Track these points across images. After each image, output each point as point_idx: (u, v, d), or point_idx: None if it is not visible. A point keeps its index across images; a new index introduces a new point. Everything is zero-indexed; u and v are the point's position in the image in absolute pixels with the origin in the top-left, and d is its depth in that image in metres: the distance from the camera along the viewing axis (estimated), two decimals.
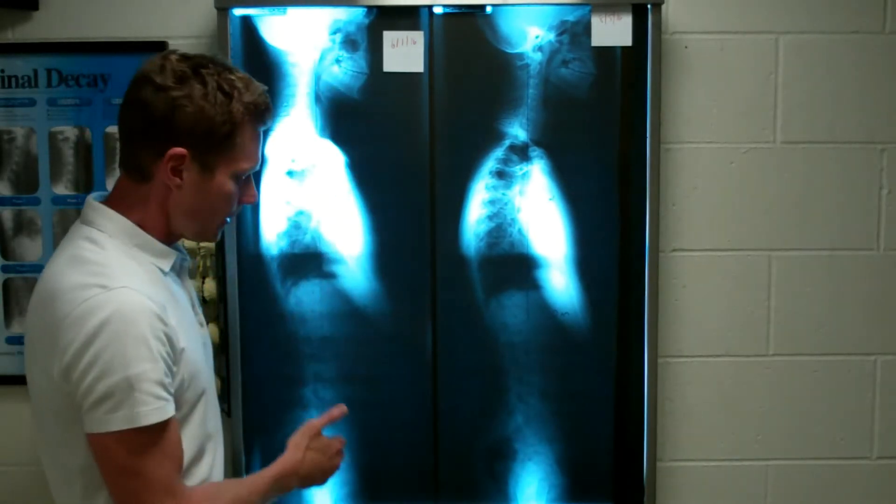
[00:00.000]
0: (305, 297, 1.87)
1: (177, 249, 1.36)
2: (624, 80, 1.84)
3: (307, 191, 1.86)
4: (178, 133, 1.26)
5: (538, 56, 1.83)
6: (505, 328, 1.88)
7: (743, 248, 1.95)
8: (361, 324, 1.87)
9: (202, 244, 1.82)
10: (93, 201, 1.31)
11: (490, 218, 1.87)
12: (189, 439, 1.29)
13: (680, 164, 1.93)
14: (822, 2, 1.91)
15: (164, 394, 1.21)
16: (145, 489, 1.21)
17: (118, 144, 1.34)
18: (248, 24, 1.82)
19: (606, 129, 1.85)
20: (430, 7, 1.80)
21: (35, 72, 1.90)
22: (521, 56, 1.83)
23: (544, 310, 1.88)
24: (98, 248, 1.26)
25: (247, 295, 1.85)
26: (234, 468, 1.83)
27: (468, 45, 1.83)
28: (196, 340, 1.34)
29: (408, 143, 1.84)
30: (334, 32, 1.82)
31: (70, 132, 1.91)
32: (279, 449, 1.44)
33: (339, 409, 1.53)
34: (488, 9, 1.81)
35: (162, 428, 1.21)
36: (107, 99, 1.89)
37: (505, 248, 1.87)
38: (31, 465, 1.90)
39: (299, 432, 1.46)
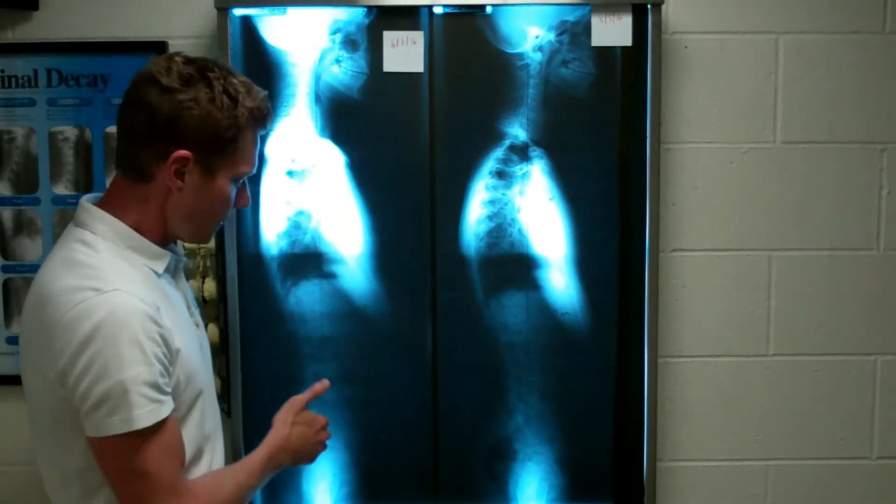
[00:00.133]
0: (305, 297, 1.87)
1: (172, 251, 1.36)
2: (624, 80, 1.84)
3: (307, 191, 1.86)
4: (183, 135, 1.26)
5: (538, 56, 1.83)
6: (505, 328, 1.88)
7: (743, 248, 1.95)
8: (361, 324, 1.87)
9: (202, 244, 1.82)
10: (86, 203, 1.31)
11: (490, 218, 1.87)
12: (187, 440, 1.29)
13: (680, 164, 1.93)
14: (822, 2, 1.91)
15: (160, 395, 1.21)
16: (150, 490, 1.21)
17: (117, 144, 1.34)
18: (248, 24, 1.82)
19: (606, 129, 1.85)
20: (430, 7, 1.80)
21: (35, 72, 1.90)
22: (521, 56, 1.83)
23: (544, 310, 1.88)
24: (91, 251, 1.26)
25: (247, 295, 1.85)
26: None
27: (468, 45, 1.83)
28: (192, 341, 1.34)
29: (408, 143, 1.84)
30: (334, 32, 1.82)
31: (70, 132, 1.91)
32: None
33: (322, 385, 1.53)
34: (488, 9, 1.81)
35: (161, 428, 1.21)
36: (107, 99, 1.89)
37: (505, 248, 1.87)
38: (30, 465, 1.89)
39: (283, 409, 1.47)
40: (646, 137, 1.83)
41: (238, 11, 1.80)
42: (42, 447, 1.31)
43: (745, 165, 1.94)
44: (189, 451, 1.30)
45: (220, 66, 1.31)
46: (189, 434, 1.31)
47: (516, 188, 1.86)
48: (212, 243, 1.81)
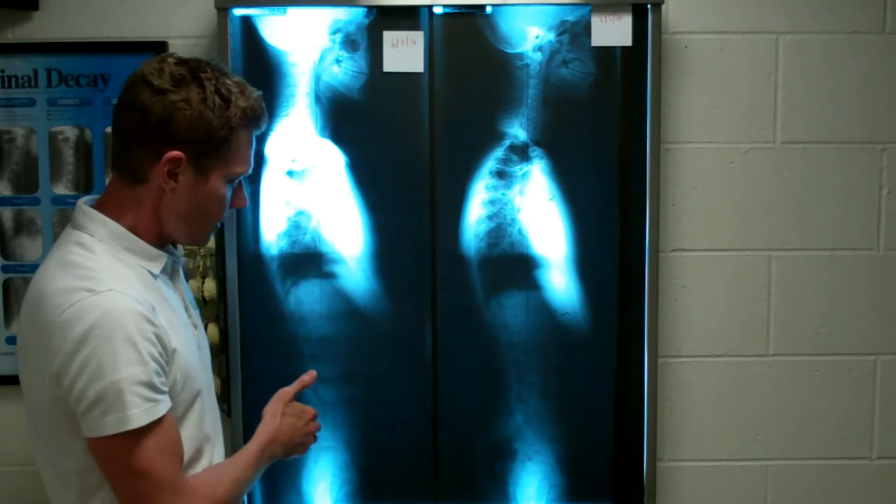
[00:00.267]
0: (305, 297, 1.87)
1: (169, 252, 1.36)
2: (624, 80, 1.84)
3: (307, 191, 1.86)
4: (175, 136, 1.26)
5: (538, 56, 1.83)
6: (505, 328, 1.88)
7: (743, 248, 1.95)
8: (361, 324, 1.87)
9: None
10: (83, 205, 1.31)
11: (490, 218, 1.87)
12: (185, 440, 1.29)
13: (680, 164, 1.93)
14: (822, 2, 1.91)
15: (155, 394, 1.21)
16: (149, 489, 1.21)
17: (111, 146, 1.34)
18: (248, 24, 1.82)
19: (606, 129, 1.85)
20: (430, 7, 1.80)
21: (35, 72, 1.90)
22: (520, 56, 1.83)
23: (544, 310, 1.88)
24: (87, 252, 1.26)
25: (247, 295, 1.85)
26: None
27: (468, 45, 1.83)
28: (190, 342, 1.34)
29: (408, 143, 1.84)
30: (334, 32, 1.82)
31: (70, 132, 1.91)
32: None
33: (310, 375, 1.54)
34: (488, 9, 1.81)
35: (157, 427, 1.21)
36: (107, 99, 1.89)
37: (505, 248, 1.87)
38: (30, 466, 1.89)
39: (272, 401, 1.48)
40: (646, 137, 1.83)
41: (238, 11, 1.80)
42: (40, 448, 1.31)
43: (745, 165, 1.94)
44: (188, 452, 1.30)
45: (214, 66, 1.31)
46: (187, 434, 1.31)
47: (516, 188, 1.86)
48: (212, 243, 1.81)
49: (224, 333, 1.84)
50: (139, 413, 1.19)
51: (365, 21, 1.81)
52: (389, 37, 1.81)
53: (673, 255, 1.95)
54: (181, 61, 1.29)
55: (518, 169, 1.86)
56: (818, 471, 2.00)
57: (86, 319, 1.18)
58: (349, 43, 1.82)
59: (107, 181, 1.89)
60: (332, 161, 1.85)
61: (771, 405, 1.99)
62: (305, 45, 1.82)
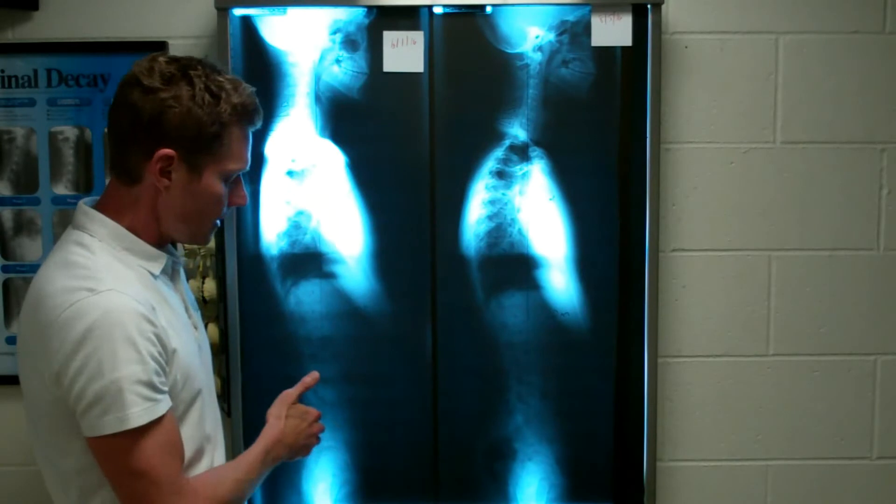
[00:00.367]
0: (305, 297, 1.87)
1: (169, 252, 1.37)
2: (624, 80, 1.84)
3: (307, 191, 1.86)
4: (166, 134, 1.26)
5: (538, 56, 1.83)
6: (505, 328, 1.88)
7: (743, 248, 1.95)
8: (361, 324, 1.87)
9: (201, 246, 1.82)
10: (84, 206, 1.32)
11: (490, 218, 1.87)
12: (186, 440, 1.29)
13: (680, 164, 1.93)
14: (822, 2, 1.91)
15: (155, 394, 1.21)
16: (149, 488, 1.21)
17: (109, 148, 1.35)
18: (248, 24, 1.82)
19: (606, 129, 1.85)
20: (430, 7, 1.80)
21: (35, 72, 1.90)
22: (520, 56, 1.83)
23: (544, 310, 1.88)
24: (87, 253, 1.26)
25: (247, 295, 1.85)
26: None
27: (468, 45, 1.83)
28: (190, 342, 1.34)
29: (408, 143, 1.84)
30: (334, 32, 1.82)
31: (70, 132, 1.91)
32: None
33: (312, 377, 1.54)
34: (488, 9, 1.81)
35: (157, 426, 1.21)
36: (107, 99, 1.89)
37: (505, 248, 1.87)
38: (30, 466, 1.90)
39: (276, 403, 1.48)
40: (646, 137, 1.83)
41: (238, 11, 1.80)
42: (40, 448, 1.31)
43: (745, 165, 1.94)
44: (188, 452, 1.30)
45: (206, 64, 1.31)
46: (188, 434, 1.31)
47: (516, 188, 1.86)
48: (212, 243, 1.81)
49: (224, 333, 1.84)
50: (138, 412, 1.19)
51: (365, 21, 1.81)
52: (389, 37, 1.81)
53: (673, 255, 1.95)
54: (172, 60, 1.29)
55: (518, 169, 1.86)
56: (818, 471, 2.00)
57: (86, 319, 1.18)
58: (349, 43, 1.82)
59: (107, 181, 1.90)
60: (332, 161, 1.85)
61: (771, 405, 1.99)
62: (305, 45, 1.82)
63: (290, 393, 1.50)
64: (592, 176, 1.86)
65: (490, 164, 1.85)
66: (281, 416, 1.46)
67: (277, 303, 1.87)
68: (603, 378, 1.89)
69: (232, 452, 1.81)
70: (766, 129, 1.93)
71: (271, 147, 1.84)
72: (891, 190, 1.96)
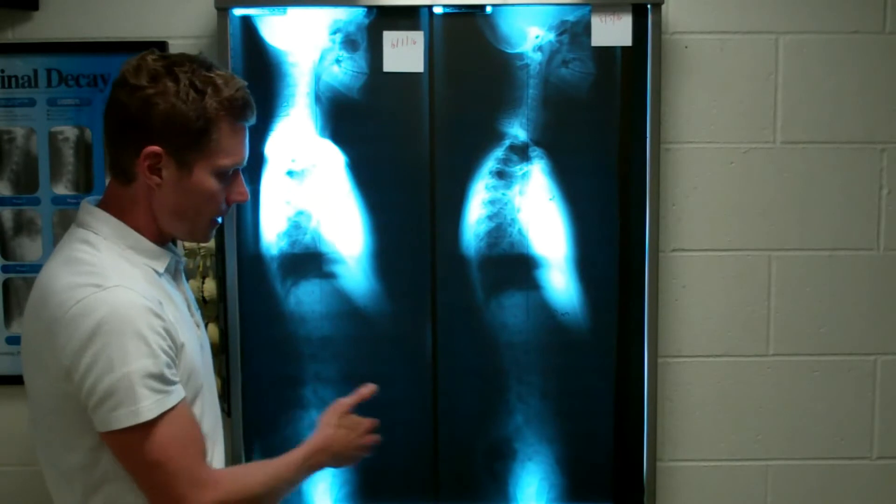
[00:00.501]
0: (305, 297, 1.87)
1: (171, 251, 1.37)
2: (624, 80, 1.84)
3: (307, 191, 1.86)
4: (152, 131, 1.26)
5: (538, 56, 1.83)
6: (505, 328, 1.88)
7: (743, 248, 1.95)
8: (361, 324, 1.87)
9: (202, 244, 1.82)
10: (87, 204, 1.32)
11: (490, 218, 1.87)
12: None
13: (680, 164, 1.93)
14: (822, 2, 1.91)
15: (166, 386, 1.22)
16: (168, 479, 1.22)
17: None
18: (248, 24, 1.82)
19: (606, 129, 1.85)
20: (430, 7, 1.80)
21: (35, 72, 1.90)
22: (520, 56, 1.83)
23: (544, 310, 1.88)
24: (92, 250, 1.26)
25: (247, 295, 1.85)
26: None
27: (468, 45, 1.83)
28: (193, 340, 1.34)
29: (408, 143, 1.84)
30: (334, 32, 1.82)
31: (70, 132, 1.91)
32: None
33: (369, 388, 1.53)
34: (488, 9, 1.81)
35: (170, 417, 1.21)
36: (106, 99, 1.88)
37: (505, 248, 1.87)
38: (30, 465, 1.90)
39: (329, 411, 1.48)
40: (646, 137, 1.83)
41: (238, 11, 1.80)
42: (44, 446, 1.31)
43: (745, 165, 1.94)
44: None
45: (198, 60, 1.30)
46: None
47: (516, 188, 1.86)
48: (212, 243, 1.81)
49: (224, 333, 1.84)
50: (150, 405, 1.19)
51: (365, 21, 1.81)
52: (389, 37, 1.81)
53: (673, 255, 1.95)
54: (161, 57, 1.29)
55: (518, 169, 1.86)
56: (818, 471, 2.00)
57: (94, 315, 1.18)
58: (349, 43, 1.82)
59: (107, 181, 1.90)
60: (332, 161, 1.85)
61: (771, 405, 1.99)
62: (305, 45, 1.82)
63: (345, 402, 1.49)
64: (592, 176, 1.86)
65: (490, 164, 1.85)
66: (331, 424, 1.45)
67: (277, 303, 1.87)
68: (603, 378, 1.89)
69: (232, 452, 1.81)
70: (766, 129, 1.93)
71: (271, 147, 1.84)
72: (891, 190, 1.96)
